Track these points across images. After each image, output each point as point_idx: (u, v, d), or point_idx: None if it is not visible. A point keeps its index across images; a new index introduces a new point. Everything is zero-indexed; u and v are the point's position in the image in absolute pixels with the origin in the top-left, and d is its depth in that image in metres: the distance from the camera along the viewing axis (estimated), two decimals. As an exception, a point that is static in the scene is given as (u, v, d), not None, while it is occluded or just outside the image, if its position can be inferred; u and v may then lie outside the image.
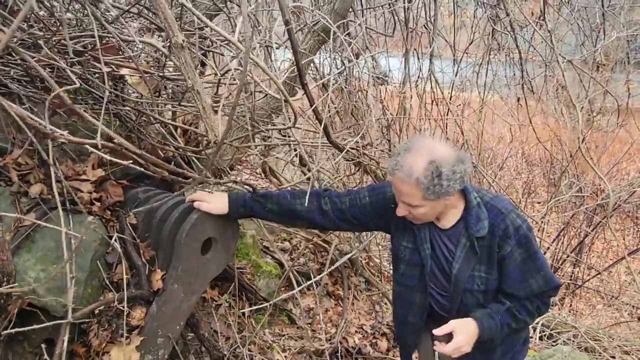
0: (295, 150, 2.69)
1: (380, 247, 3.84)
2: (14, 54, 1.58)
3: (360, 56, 2.77)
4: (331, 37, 1.70)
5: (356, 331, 2.92)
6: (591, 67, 3.75)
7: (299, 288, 2.04)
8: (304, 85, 1.48)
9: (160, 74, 1.82)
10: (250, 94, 1.48)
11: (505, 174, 7.79)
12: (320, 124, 1.67)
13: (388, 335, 3.01)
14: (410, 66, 3.42)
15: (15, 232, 1.44)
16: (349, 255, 2.65)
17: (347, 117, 3.23)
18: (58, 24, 1.65)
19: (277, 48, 2.33)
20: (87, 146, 1.22)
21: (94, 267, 1.53)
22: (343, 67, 2.79)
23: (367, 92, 3.22)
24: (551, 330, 3.66)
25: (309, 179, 1.81)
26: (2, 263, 1.09)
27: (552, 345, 3.37)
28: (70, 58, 1.61)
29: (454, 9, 3.67)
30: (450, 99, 3.88)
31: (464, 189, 1.49)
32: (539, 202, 7.33)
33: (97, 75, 1.66)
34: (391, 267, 2.65)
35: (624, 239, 6.61)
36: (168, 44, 1.58)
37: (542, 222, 5.21)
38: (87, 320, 1.46)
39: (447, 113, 3.86)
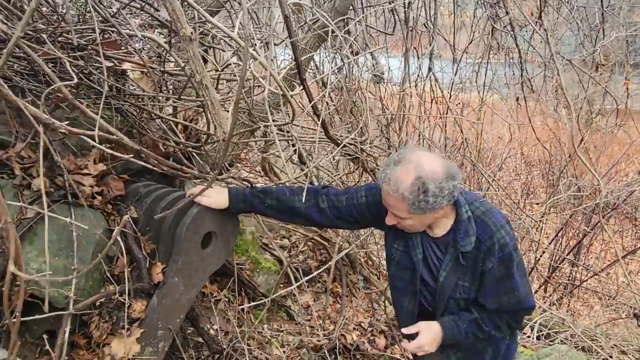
0: (294, 147, 2.71)
1: (378, 246, 3.86)
2: (17, 48, 1.59)
3: (360, 54, 2.78)
4: (330, 35, 1.71)
5: (354, 328, 2.94)
6: (590, 68, 3.77)
7: (297, 284, 2.06)
8: (302, 81, 1.50)
9: (162, 69, 1.83)
10: (249, 89, 1.50)
11: (504, 175, 7.81)
12: (319, 120, 1.69)
13: (386, 333, 3.03)
14: (410, 65, 3.44)
15: (17, 224, 1.45)
16: (345, 251, 2.67)
17: (347, 115, 3.25)
18: (60, 19, 1.66)
19: (276, 45, 2.35)
20: (88, 140, 1.24)
21: (96, 261, 1.55)
22: (342, 64, 2.80)
23: (366, 90, 3.23)
24: (549, 329, 3.68)
25: (306, 175, 1.82)
26: (7, 251, 1.10)
27: (550, 345, 3.38)
28: (72, 53, 1.63)
29: (454, 8, 3.68)
30: (450, 98, 3.90)
31: (455, 202, 1.50)
32: (537, 203, 7.35)
33: (99, 69, 1.67)
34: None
35: (622, 240, 6.63)
36: (169, 39, 1.60)
37: (540, 222, 5.23)
38: (88, 311, 1.48)
39: (447, 112, 3.88)
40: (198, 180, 1.92)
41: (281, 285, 2.71)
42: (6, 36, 1.36)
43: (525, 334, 3.73)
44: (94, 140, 1.21)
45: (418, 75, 3.75)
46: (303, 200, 1.66)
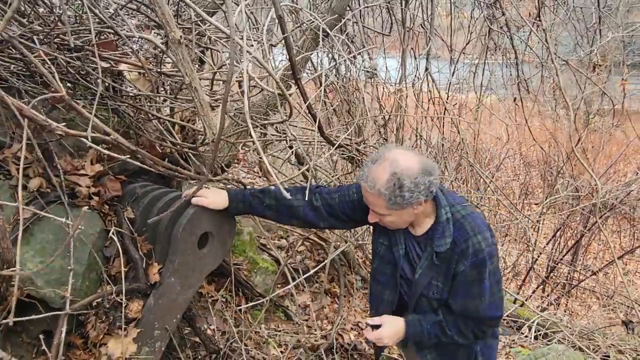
0: (291, 147, 2.71)
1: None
2: (14, 49, 1.59)
3: (355, 53, 2.79)
4: (321, 35, 1.72)
5: (352, 328, 2.94)
6: (588, 68, 3.78)
7: (294, 282, 2.07)
8: (296, 80, 1.50)
9: (158, 70, 1.84)
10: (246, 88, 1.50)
11: (503, 175, 7.82)
12: (314, 119, 1.70)
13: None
14: (407, 66, 3.45)
15: (14, 225, 1.45)
16: (341, 249, 2.67)
17: (343, 115, 3.26)
18: (57, 20, 1.67)
19: (274, 46, 2.36)
20: (85, 141, 1.25)
21: (91, 260, 1.55)
22: (336, 63, 2.81)
23: (363, 90, 3.24)
24: (546, 329, 3.68)
25: (305, 176, 1.83)
26: (2, 251, 1.11)
27: (547, 344, 3.39)
28: (69, 54, 1.63)
29: (451, 9, 3.70)
30: (447, 99, 3.91)
31: (437, 202, 1.53)
32: (536, 203, 7.36)
33: (95, 70, 1.68)
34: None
35: (620, 240, 6.65)
36: (166, 39, 1.60)
37: (538, 222, 5.24)
38: (84, 312, 1.48)
39: (444, 113, 3.89)
40: (194, 181, 1.92)
41: (278, 286, 2.71)
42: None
43: (523, 333, 3.74)
44: (91, 141, 1.22)
45: (415, 76, 3.76)
46: (300, 200, 1.70)
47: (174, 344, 1.75)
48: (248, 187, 1.88)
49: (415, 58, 3.71)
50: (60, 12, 1.72)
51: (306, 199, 1.67)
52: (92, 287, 1.54)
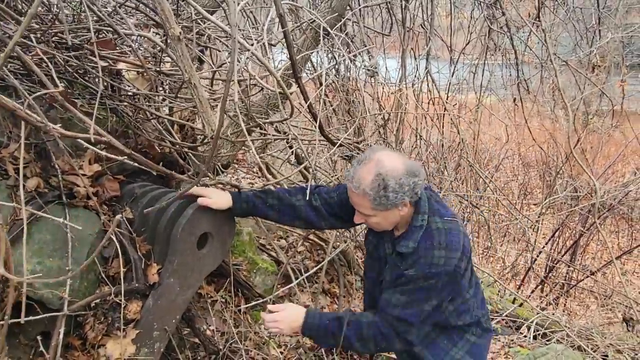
0: (291, 147, 2.70)
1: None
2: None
3: (355, 53, 2.78)
4: (321, 34, 1.71)
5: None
6: (587, 69, 3.78)
7: (296, 282, 2.06)
8: (297, 79, 1.50)
9: (157, 69, 1.83)
10: (246, 87, 1.49)
11: (502, 175, 7.83)
12: (315, 119, 1.69)
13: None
14: (407, 66, 3.44)
15: (11, 225, 1.44)
16: (340, 248, 2.67)
17: (343, 115, 3.25)
18: (54, 18, 1.65)
19: (273, 45, 2.35)
20: (82, 141, 1.23)
21: (90, 261, 1.54)
22: (337, 63, 2.81)
23: (363, 90, 3.23)
24: (545, 329, 3.69)
25: (305, 176, 1.83)
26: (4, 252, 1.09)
27: (546, 344, 3.39)
28: (67, 53, 1.62)
29: (451, 9, 3.69)
30: (447, 99, 3.90)
31: (416, 208, 1.53)
32: (535, 204, 7.37)
33: (93, 69, 1.66)
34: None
35: (618, 240, 6.66)
36: (165, 38, 1.59)
37: (537, 222, 5.24)
38: (83, 312, 1.47)
39: (444, 115, 3.89)
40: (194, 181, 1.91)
41: (278, 286, 2.70)
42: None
43: (521, 333, 3.74)
44: (88, 142, 1.20)
45: (415, 76, 3.76)
46: (301, 200, 1.71)
47: (173, 345, 1.73)
48: (243, 189, 1.88)
49: (415, 58, 3.71)
50: (58, 10, 1.71)
51: (306, 198, 1.67)
52: (90, 288, 1.53)
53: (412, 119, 3.81)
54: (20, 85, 1.55)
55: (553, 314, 3.99)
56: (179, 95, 1.78)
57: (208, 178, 1.73)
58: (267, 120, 1.85)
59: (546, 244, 5.57)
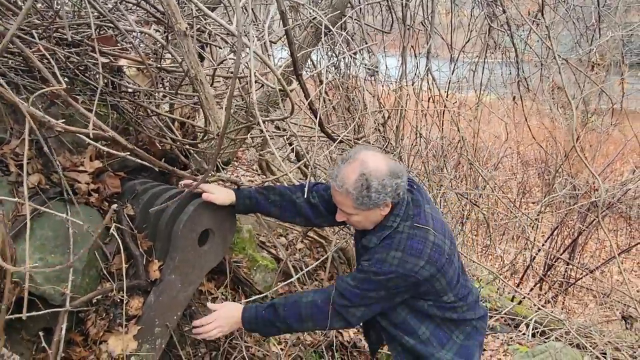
0: (291, 145, 2.70)
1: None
2: (11, 44, 1.58)
3: (356, 50, 2.79)
4: (323, 32, 1.71)
5: (351, 325, 2.94)
6: (586, 67, 3.79)
7: (295, 277, 2.07)
8: (298, 76, 1.50)
9: (158, 66, 1.83)
10: (246, 84, 1.49)
11: (500, 174, 7.84)
12: (315, 115, 1.69)
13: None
14: (407, 64, 3.44)
15: (13, 222, 1.44)
16: (339, 244, 2.68)
17: (342, 112, 3.25)
18: (55, 15, 1.65)
19: (274, 43, 2.35)
20: (84, 138, 1.24)
21: (91, 257, 1.54)
22: (338, 60, 2.81)
23: (364, 88, 3.24)
24: (544, 327, 3.70)
25: (304, 173, 1.83)
26: (3, 245, 1.10)
27: (545, 342, 3.40)
28: (68, 49, 1.61)
29: (451, 7, 3.69)
30: (447, 97, 3.91)
31: (393, 210, 1.54)
32: (533, 202, 7.39)
33: (94, 65, 1.66)
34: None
35: (616, 239, 6.68)
36: (166, 34, 1.59)
37: (536, 221, 5.25)
38: (84, 308, 1.47)
39: (444, 113, 3.89)
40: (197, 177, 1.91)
41: (279, 282, 2.70)
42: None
43: (520, 331, 3.75)
44: (89, 138, 1.21)
45: (415, 74, 3.76)
46: (301, 197, 1.72)
47: (174, 342, 1.74)
48: (242, 186, 1.89)
49: (416, 56, 3.71)
50: (59, 7, 1.70)
51: (305, 195, 1.68)
52: (91, 284, 1.53)
53: (412, 116, 3.81)
54: (21, 82, 1.56)
55: (552, 312, 4.00)
56: (179, 92, 1.78)
57: (209, 175, 1.73)
58: (269, 119, 1.85)
59: (545, 242, 5.59)
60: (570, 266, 5.41)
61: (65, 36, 1.60)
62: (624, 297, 4.95)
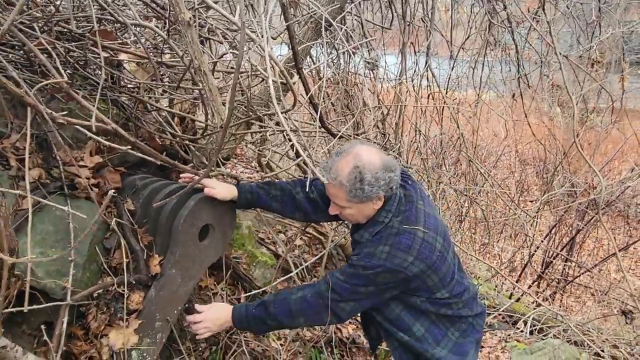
0: (290, 141, 2.69)
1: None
2: (12, 37, 1.57)
3: (355, 45, 2.78)
4: (323, 25, 1.70)
5: (350, 322, 2.94)
6: (586, 64, 3.79)
7: (294, 272, 2.07)
8: (298, 70, 1.50)
9: (158, 60, 1.82)
10: (247, 78, 1.49)
11: (499, 172, 7.85)
12: (316, 110, 1.69)
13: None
14: (407, 61, 3.44)
15: (14, 216, 1.44)
16: (337, 241, 2.68)
17: (343, 109, 3.25)
18: (55, 9, 1.64)
19: (274, 39, 2.34)
20: (85, 132, 1.23)
21: (92, 252, 1.54)
22: (337, 54, 2.81)
23: (364, 83, 3.23)
24: (542, 324, 3.72)
25: (304, 171, 1.83)
26: (5, 238, 1.09)
27: (543, 339, 3.41)
28: (68, 43, 1.61)
29: (451, 4, 3.69)
30: (447, 94, 3.91)
31: (385, 205, 1.55)
32: (531, 201, 7.41)
33: (97, 59, 1.66)
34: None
35: (614, 238, 6.70)
36: (167, 28, 1.59)
37: (534, 218, 5.27)
38: (85, 302, 1.47)
39: (443, 110, 3.89)
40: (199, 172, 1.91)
41: (277, 279, 2.71)
42: None
43: (518, 328, 3.77)
44: (91, 131, 1.20)
45: (414, 71, 3.76)
46: (301, 192, 1.74)
47: (174, 336, 1.74)
48: (242, 182, 1.89)
49: (415, 53, 3.71)
50: (59, 1, 1.70)
51: (307, 189, 1.69)
52: (92, 279, 1.53)
53: (412, 113, 3.81)
54: (21, 76, 1.55)
55: (550, 309, 4.01)
56: (180, 86, 1.78)
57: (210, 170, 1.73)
58: (269, 112, 1.84)
59: (543, 239, 5.60)
60: (569, 264, 5.43)
61: (65, 30, 1.60)
62: (622, 294, 4.98)
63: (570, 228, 5.58)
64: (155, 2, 1.83)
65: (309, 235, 3.34)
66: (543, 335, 3.61)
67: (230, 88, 1.00)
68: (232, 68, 1.94)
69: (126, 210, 1.69)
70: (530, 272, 5.63)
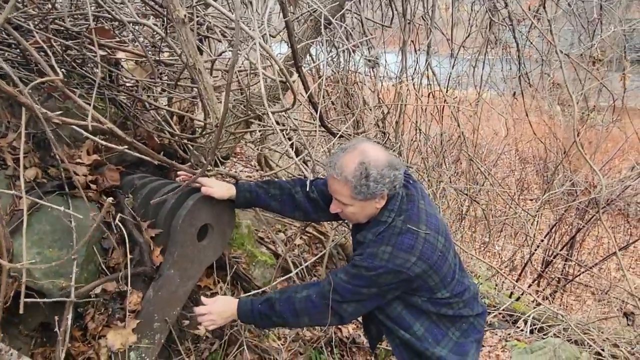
0: (290, 139, 2.68)
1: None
2: (7, 35, 1.56)
3: (355, 43, 2.76)
4: (323, 23, 1.69)
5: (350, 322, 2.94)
6: (587, 62, 3.77)
7: (294, 272, 2.06)
8: (298, 68, 1.48)
9: (156, 59, 1.80)
10: (245, 76, 1.48)
11: (499, 171, 7.84)
12: (315, 109, 1.68)
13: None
14: (407, 59, 3.43)
15: (11, 216, 1.43)
16: (338, 240, 2.67)
17: (343, 108, 3.24)
18: (51, 7, 1.63)
19: (273, 37, 2.32)
20: (81, 131, 1.22)
21: (89, 252, 1.53)
22: (337, 53, 2.79)
23: (365, 81, 3.22)
24: (542, 323, 3.71)
25: (299, 167, 1.82)
26: (0, 239, 1.08)
27: (543, 338, 3.41)
28: (65, 41, 1.59)
29: (452, 2, 3.67)
30: (447, 92, 3.89)
31: (387, 204, 1.53)
32: (531, 199, 7.40)
33: (94, 58, 1.64)
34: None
35: (614, 236, 6.69)
36: (165, 26, 1.57)
37: (535, 217, 5.26)
38: (85, 300, 1.46)
39: (443, 108, 3.88)
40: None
41: (276, 279, 2.70)
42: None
43: (518, 327, 3.76)
44: (87, 131, 1.19)
45: (415, 70, 3.74)
46: (300, 192, 1.72)
47: (173, 337, 1.73)
48: (241, 180, 1.88)
49: (416, 51, 3.69)
50: (56, -1, 1.68)
51: (308, 188, 1.67)
52: (90, 279, 1.52)
53: (412, 112, 3.80)
54: (17, 75, 1.54)
55: (550, 308, 4.01)
56: (178, 84, 1.76)
57: (206, 169, 1.72)
58: (269, 110, 1.82)
59: (544, 238, 5.59)
60: (569, 263, 5.42)
61: (61, 28, 1.58)
62: (622, 294, 4.97)
63: (571, 227, 5.57)
64: (153, 0, 1.81)
65: (309, 235, 3.33)
66: (543, 335, 3.60)
67: (226, 86, 0.98)
68: (230, 66, 1.92)
69: (127, 204, 1.68)
70: (531, 271, 5.62)
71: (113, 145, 1.33)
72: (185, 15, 0.95)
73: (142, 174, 1.89)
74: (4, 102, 1.60)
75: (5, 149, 1.55)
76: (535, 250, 5.27)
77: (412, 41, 3.57)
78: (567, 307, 5.37)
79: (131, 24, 1.50)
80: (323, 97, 2.80)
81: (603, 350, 3.34)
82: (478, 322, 1.71)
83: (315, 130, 1.97)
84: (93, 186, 1.61)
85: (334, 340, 2.58)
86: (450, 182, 4.11)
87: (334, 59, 3.20)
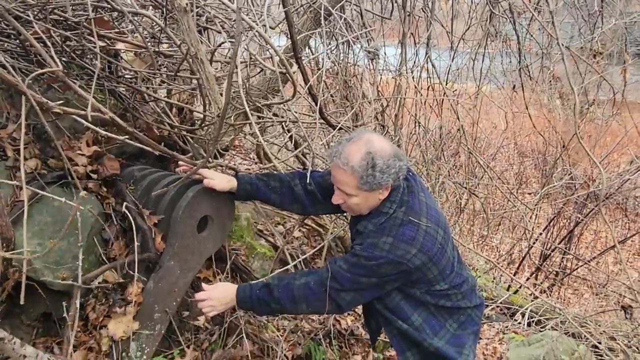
0: (289, 132, 2.68)
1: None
2: (6, 25, 1.55)
3: (355, 35, 2.75)
4: (322, 14, 1.68)
5: (349, 313, 2.95)
6: (588, 55, 3.76)
7: (292, 264, 2.07)
8: (297, 59, 1.47)
9: (156, 50, 1.80)
10: (245, 67, 1.47)
11: (497, 164, 7.84)
12: (315, 101, 1.67)
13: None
14: (407, 52, 3.41)
15: (12, 207, 1.43)
16: (337, 232, 2.68)
17: (342, 100, 3.23)
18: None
19: (272, 28, 2.31)
20: (82, 121, 1.22)
21: (90, 243, 1.54)
22: (337, 43, 2.78)
23: (364, 74, 3.21)
24: (539, 316, 3.73)
25: (303, 162, 1.82)
26: (1, 228, 1.08)
27: (540, 331, 3.43)
28: (64, 32, 1.58)
29: (452, -5, 3.65)
30: (446, 85, 3.88)
31: (389, 195, 1.53)
32: (530, 193, 7.42)
33: (94, 49, 1.64)
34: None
35: (612, 230, 6.70)
36: (164, 16, 1.56)
37: (533, 211, 5.27)
38: (87, 286, 1.46)
39: (443, 101, 3.87)
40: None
41: (275, 270, 2.71)
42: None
43: (516, 320, 3.78)
44: (87, 121, 1.19)
45: (414, 63, 3.73)
46: (299, 184, 1.72)
47: (173, 327, 1.74)
48: (240, 173, 1.88)
49: (415, 44, 3.67)
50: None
51: (307, 181, 1.67)
52: (91, 270, 1.53)
53: (411, 105, 3.79)
54: (17, 65, 1.53)
55: (548, 301, 4.03)
56: (177, 76, 1.76)
57: (207, 161, 1.72)
58: (268, 102, 1.82)
59: (542, 232, 5.61)
60: (567, 256, 5.44)
61: (61, 18, 1.57)
62: (619, 287, 5.00)
63: (569, 221, 5.59)
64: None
65: (307, 227, 3.34)
66: (541, 327, 3.63)
67: (227, 76, 0.98)
68: (230, 57, 1.92)
69: (129, 192, 1.68)
70: (529, 264, 5.65)
71: (114, 136, 1.33)
72: (187, 4, 0.95)
73: (142, 165, 1.89)
74: (4, 93, 1.59)
75: (6, 140, 1.55)
76: (534, 243, 5.29)
77: (412, 34, 3.55)
78: (564, 300, 5.40)
79: (131, 15, 1.49)
80: (322, 90, 2.79)
81: (600, 343, 3.37)
82: (476, 314, 1.72)
83: (315, 123, 1.96)
84: (94, 176, 1.61)
85: (332, 332, 2.60)
86: (449, 175, 4.11)
87: (333, 51, 3.19)
